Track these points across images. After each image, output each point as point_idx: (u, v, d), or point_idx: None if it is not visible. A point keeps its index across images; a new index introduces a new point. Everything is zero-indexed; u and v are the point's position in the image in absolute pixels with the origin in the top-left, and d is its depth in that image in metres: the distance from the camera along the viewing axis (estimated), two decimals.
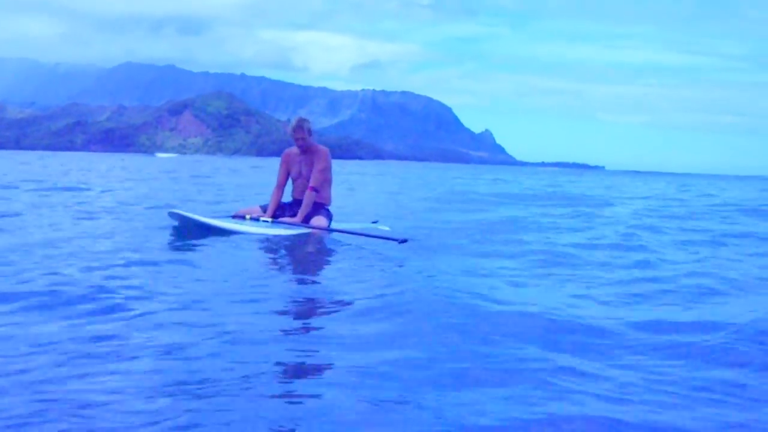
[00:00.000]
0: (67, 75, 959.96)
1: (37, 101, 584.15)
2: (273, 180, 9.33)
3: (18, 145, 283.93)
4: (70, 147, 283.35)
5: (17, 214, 10.67)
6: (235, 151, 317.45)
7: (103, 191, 18.04)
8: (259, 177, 33.33)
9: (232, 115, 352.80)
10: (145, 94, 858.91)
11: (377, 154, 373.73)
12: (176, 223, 8.53)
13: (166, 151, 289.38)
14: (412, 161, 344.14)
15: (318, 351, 3.85)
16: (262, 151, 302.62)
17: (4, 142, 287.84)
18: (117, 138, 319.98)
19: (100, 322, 4.31)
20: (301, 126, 8.90)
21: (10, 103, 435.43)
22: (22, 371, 3.37)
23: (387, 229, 9.90)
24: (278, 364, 3.58)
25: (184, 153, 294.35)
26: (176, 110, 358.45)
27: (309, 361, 3.69)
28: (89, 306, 4.66)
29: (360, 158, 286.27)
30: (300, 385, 3.28)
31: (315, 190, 8.81)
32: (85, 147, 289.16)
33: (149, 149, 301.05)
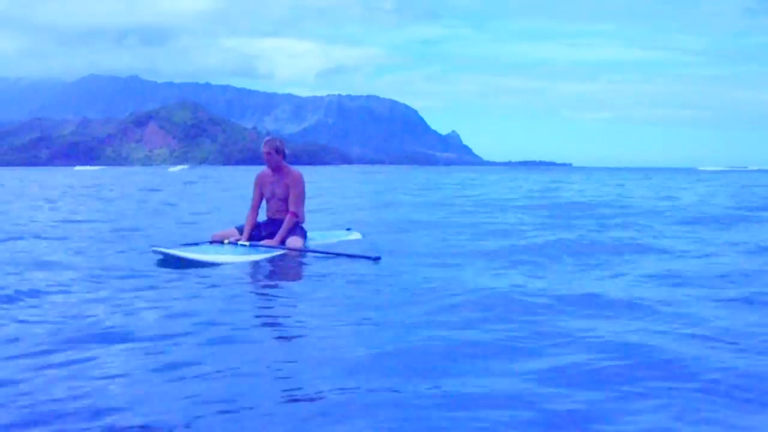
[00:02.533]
0: (29, 89, 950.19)
1: None
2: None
3: None
4: (35, 162, 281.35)
5: None
6: (202, 161, 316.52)
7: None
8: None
9: (198, 124, 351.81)
10: (110, 106, 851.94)
11: (344, 159, 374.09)
12: (160, 257, 8.68)
13: (131, 163, 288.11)
14: (380, 165, 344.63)
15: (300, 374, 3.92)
16: (229, 160, 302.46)
17: None
18: (82, 151, 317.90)
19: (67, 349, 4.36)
20: (269, 144, 9.31)
21: None
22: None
23: (359, 236, 10.64)
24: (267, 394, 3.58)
25: (150, 164, 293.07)
26: (141, 121, 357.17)
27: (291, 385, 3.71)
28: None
29: (327, 164, 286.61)
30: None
31: (294, 214, 9.22)
32: (50, 162, 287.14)
33: (116, 161, 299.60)
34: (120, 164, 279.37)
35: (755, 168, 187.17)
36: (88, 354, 4.35)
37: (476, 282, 6.88)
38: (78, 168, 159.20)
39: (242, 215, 9.87)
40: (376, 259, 8.44)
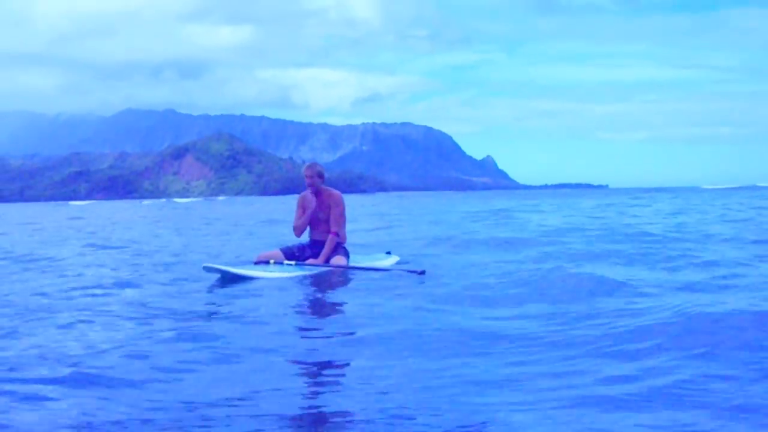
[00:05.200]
0: (68, 124, 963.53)
1: (39, 152, 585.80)
2: None
3: (22, 197, 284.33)
4: (74, 196, 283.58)
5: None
6: (239, 192, 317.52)
7: None
8: None
9: (234, 156, 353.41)
10: (146, 139, 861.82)
11: (381, 187, 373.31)
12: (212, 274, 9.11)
13: (170, 195, 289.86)
14: (417, 191, 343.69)
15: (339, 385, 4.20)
16: (266, 191, 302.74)
17: (8, 195, 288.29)
18: (121, 185, 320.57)
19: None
20: (311, 170, 9.69)
21: (13, 156, 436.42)
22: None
23: (398, 258, 10.82)
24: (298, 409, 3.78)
25: (187, 196, 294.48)
26: (178, 154, 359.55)
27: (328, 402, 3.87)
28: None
29: (364, 191, 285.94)
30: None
31: (336, 234, 9.50)
32: (90, 195, 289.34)
33: (153, 194, 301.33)
34: (158, 197, 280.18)
35: None
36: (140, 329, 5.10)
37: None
38: (72, 203, 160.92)
39: None
40: (421, 273, 8.62)
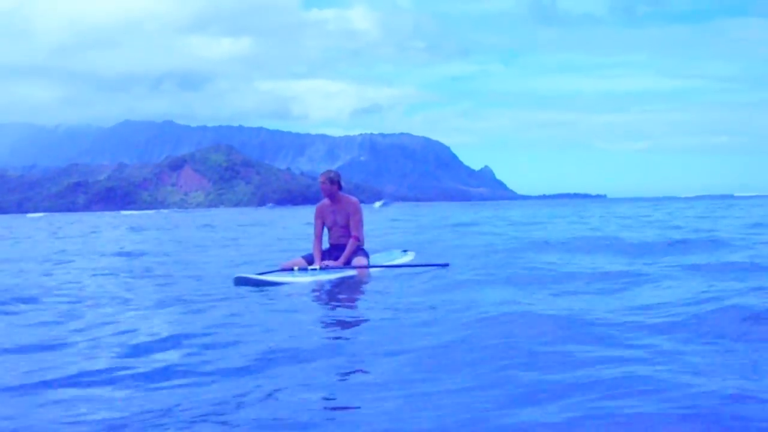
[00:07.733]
0: (66, 136, 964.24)
1: (38, 163, 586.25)
2: None
3: (20, 208, 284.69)
4: (72, 208, 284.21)
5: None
6: (237, 203, 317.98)
7: None
8: None
9: (232, 167, 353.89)
10: (145, 151, 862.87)
11: (378, 197, 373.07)
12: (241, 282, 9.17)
13: (168, 207, 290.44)
14: (414, 202, 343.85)
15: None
16: (264, 201, 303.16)
17: (7, 206, 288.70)
18: (119, 196, 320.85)
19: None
20: (324, 175, 10.22)
21: (12, 167, 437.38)
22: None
23: (414, 255, 11.25)
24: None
25: (186, 207, 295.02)
26: (176, 165, 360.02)
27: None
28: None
29: (362, 202, 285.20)
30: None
31: (357, 238, 9.94)
32: (87, 207, 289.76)
33: (152, 205, 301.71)
34: (156, 207, 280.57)
35: None
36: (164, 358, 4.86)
37: None
38: (30, 215, 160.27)
39: None
40: (445, 265, 9.02)
